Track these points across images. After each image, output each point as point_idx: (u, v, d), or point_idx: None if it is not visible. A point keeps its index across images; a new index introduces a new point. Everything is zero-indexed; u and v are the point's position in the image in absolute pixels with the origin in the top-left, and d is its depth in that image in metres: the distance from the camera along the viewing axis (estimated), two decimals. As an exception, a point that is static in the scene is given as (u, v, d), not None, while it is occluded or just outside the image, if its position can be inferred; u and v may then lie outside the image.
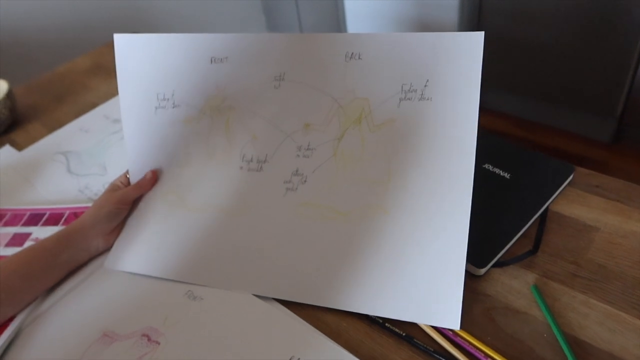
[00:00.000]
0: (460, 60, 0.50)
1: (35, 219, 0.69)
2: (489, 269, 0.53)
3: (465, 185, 0.49)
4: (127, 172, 0.64)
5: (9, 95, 0.90)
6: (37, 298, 0.56)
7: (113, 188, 0.62)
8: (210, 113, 0.60)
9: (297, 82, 0.56)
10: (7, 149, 0.86)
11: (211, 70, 0.58)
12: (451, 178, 0.50)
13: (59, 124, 0.90)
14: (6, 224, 0.69)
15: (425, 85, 0.52)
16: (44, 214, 0.69)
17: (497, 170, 0.62)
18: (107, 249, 0.61)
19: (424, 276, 0.49)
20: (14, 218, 0.69)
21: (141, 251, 0.58)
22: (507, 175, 0.62)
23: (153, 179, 0.62)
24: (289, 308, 0.52)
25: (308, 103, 0.56)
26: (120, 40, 0.59)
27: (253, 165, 0.58)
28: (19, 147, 0.87)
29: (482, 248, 0.53)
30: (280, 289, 0.53)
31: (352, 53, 0.54)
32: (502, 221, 0.56)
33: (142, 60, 0.59)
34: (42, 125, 0.92)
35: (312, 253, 0.53)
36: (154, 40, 0.59)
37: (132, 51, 0.59)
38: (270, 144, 0.58)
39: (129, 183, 0.64)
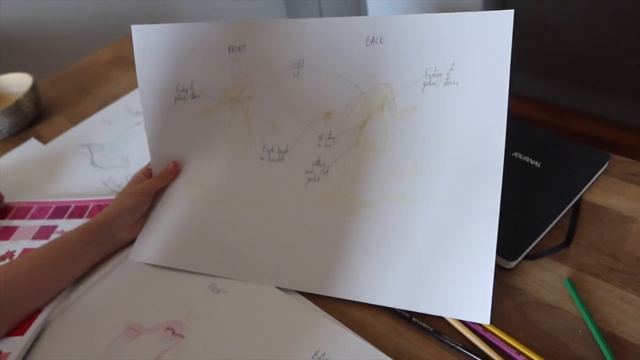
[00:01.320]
0: (489, 41, 0.47)
1: (60, 211, 0.69)
2: (519, 262, 0.51)
3: (495, 173, 0.47)
4: (149, 164, 0.64)
5: (33, 88, 0.91)
6: (63, 290, 0.57)
7: (136, 180, 0.62)
8: (229, 103, 0.59)
9: (317, 69, 0.54)
10: (33, 142, 0.87)
11: (229, 60, 0.57)
12: (480, 166, 0.48)
13: (83, 116, 0.91)
14: (32, 217, 0.70)
15: (451, 69, 0.49)
16: (69, 207, 0.70)
17: (527, 159, 0.60)
18: (132, 241, 0.61)
19: (452, 268, 0.47)
20: (40, 211, 0.70)
21: (164, 243, 0.58)
22: (537, 164, 0.59)
23: (175, 170, 0.62)
24: (312, 301, 0.51)
25: (328, 90, 0.54)
26: (138, 32, 0.58)
27: (274, 156, 0.57)
28: (43, 140, 0.88)
29: (512, 240, 0.51)
30: (303, 282, 0.52)
31: (373, 37, 0.52)
32: (533, 212, 0.54)
33: (161, 51, 0.58)
34: (66, 118, 0.93)
35: (334, 244, 0.52)
36: (172, 30, 0.58)
37: (150, 42, 0.58)
38: (291, 133, 0.56)
39: (151, 175, 0.63)
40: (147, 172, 0.63)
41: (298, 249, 0.53)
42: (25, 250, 0.64)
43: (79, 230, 0.58)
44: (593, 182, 0.57)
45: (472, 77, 0.48)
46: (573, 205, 0.55)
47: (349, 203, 0.53)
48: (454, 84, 0.49)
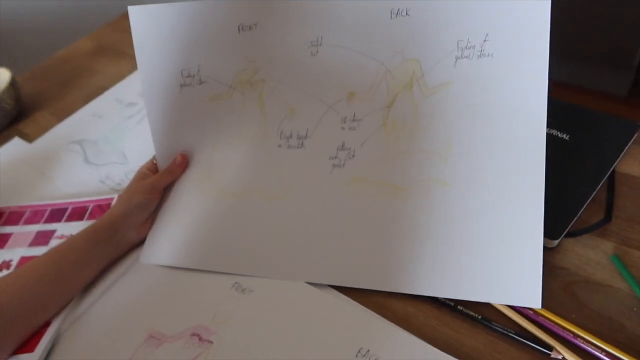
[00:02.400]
0: (524, 8, 0.44)
1: (57, 214, 0.64)
2: (560, 240, 0.48)
3: (537, 149, 0.45)
4: (154, 157, 0.59)
5: (13, 83, 0.84)
6: (72, 299, 0.52)
7: (141, 176, 0.58)
8: (240, 88, 0.54)
9: (337, 46, 0.51)
10: (17, 141, 0.81)
11: (239, 40, 0.53)
12: (521, 142, 0.45)
13: (69, 111, 0.85)
14: (27, 222, 0.64)
15: (485, 40, 0.46)
16: (66, 209, 0.65)
17: (554, 132, 0.57)
18: (142, 242, 0.57)
19: (498, 252, 0.45)
20: (34, 215, 0.65)
21: (177, 242, 0.54)
22: (566, 137, 0.57)
23: (183, 163, 0.58)
24: (347, 295, 0.48)
25: (351, 69, 0.51)
26: (136, 13, 0.53)
27: (293, 142, 0.53)
28: (28, 138, 0.82)
29: (551, 218, 0.48)
30: (335, 275, 0.48)
31: (398, 9, 0.48)
32: (568, 188, 0.52)
33: (162, 34, 0.54)
34: (50, 114, 0.86)
35: (367, 233, 0.49)
36: (173, 10, 0.53)
37: (149, 24, 0.53)
38: (311, 117, 0.53)
39: (157, 170, 0.59)
40: (152, 167, 0.59)
41: (327, 240, 0.50)
42: (23, 259, 0.59)
43: (83, 234, 0.53)
44: (625, 153, 0.55)
45: (508, 47, 0.45)
46: (607, 178, 0.53)
47: (380, 188, 0.50)
48: (488, 56, 0.46)
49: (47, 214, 0.65)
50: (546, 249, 0.48)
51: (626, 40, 1.49)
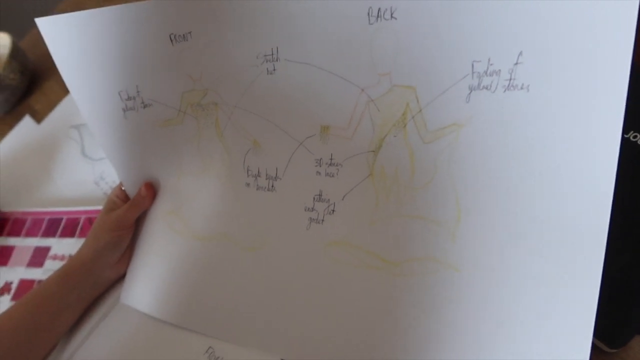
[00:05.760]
0: (588, 12, 0.25)
1: (53, 226, 0.61)
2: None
3: (594, 240, 0.29)
4: (122, 183, 0.51)
5: (15, 53, 0.77)
6: (52, 349, 0.50)
7: (109, 206, 0.50)
8: (192, 112, 0.42)
9: (299, 63, 0.35)
10: (27, 121, 0.77)
11: (175, 54, 0.39)
12: (566, 225, 0.29)
13: (74, 80, 0.77)
14: (28, 234, 0.62)
15: (517, 63, 0.28)
16: (61, 220, 0.61)
17: (631, 135, 0.38)
18: (122, 277, 0.51)
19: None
20: (34, 225, 0.62)
21: (153, 288, 0.48)
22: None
23: (150, 194, 0.49)
24: (327, 387, 0.39)
25: (321, 94, 0.35)
26: (48, 27, 0.41)
27: (262, 182, 0.41)
28: (38, 116, 0.77)
29: (614, 307, 0.33)
30: (312, 357, 0.39)
31: (379, 9, 0.30)
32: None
33: (84, 48, 0.41)
34: (58, 84, 0.80)
35: (349, 313, 0.38)
36: (91, 20, 0.39)
37: (68, 38, 0.41)
38: (279, 153, 0.39)
39: (126, 197, 0.51)
40: (121, 195, 0.51)
41: (304, 312, 0.40)
42: (22, 282, 0.58)
43: (57, 278, 0.49)
44: None
45: (554, 78, 0.27)
46: None
47: (365, 259, 0.37)
48: (521, 89, 0.28)
49: (44, 224, 0.62)
50: (601, 353, 0.34)
51: None
